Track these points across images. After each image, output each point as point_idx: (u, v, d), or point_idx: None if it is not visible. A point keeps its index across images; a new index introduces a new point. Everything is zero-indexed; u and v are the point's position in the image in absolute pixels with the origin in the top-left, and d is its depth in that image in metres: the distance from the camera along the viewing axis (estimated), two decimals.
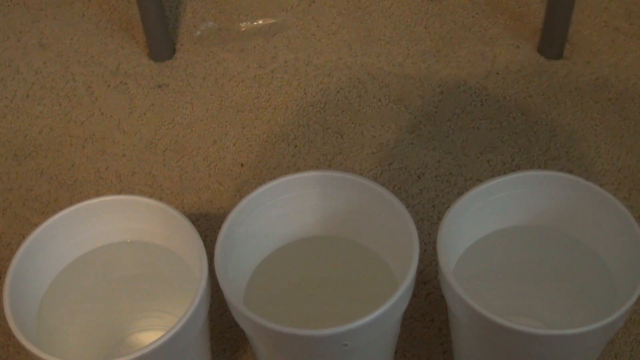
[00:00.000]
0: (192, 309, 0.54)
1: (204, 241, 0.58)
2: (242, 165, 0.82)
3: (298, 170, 0.81)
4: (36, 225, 0.60)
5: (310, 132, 0.84)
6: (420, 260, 0.57)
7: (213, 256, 0.57)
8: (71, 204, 0.61)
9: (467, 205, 0.60)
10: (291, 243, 0.65)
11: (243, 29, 0.95)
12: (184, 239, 0.59)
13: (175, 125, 0.86)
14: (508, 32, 0.92)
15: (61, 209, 0.61)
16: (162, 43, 0.91)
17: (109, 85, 0.89)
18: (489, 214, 0.62)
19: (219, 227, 0.58)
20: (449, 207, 0.59)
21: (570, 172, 0.78)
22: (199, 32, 0.95)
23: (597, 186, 0.59)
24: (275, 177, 0.62)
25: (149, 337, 0.65)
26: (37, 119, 0.87)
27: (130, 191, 0.80)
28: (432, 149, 0.82)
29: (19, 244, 0.59)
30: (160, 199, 0.79)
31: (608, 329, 0.54)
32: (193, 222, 0.59)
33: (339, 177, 0.61)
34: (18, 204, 0.80)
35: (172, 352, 0.54)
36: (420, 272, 0.73)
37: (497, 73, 0.88)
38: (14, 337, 0.54)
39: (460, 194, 0.67)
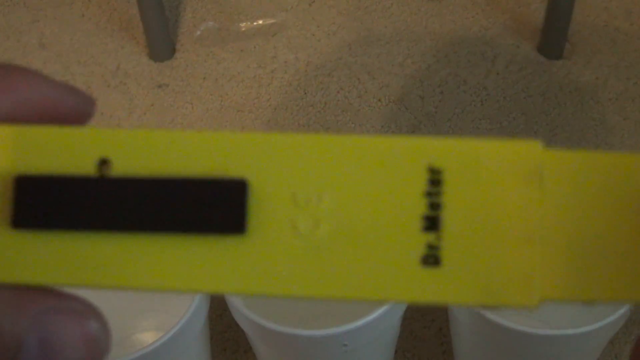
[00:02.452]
0: (192, 309, 0.54)
1: None
2: None
3: None
4: None
5: (311, 132, 0.84)
6: None
7: None
8: None
9: None
10: None
11: (243, 29, 0.95)
12: None
13: (175, 125, 0.86)
14: (508, 32, 0.92)
15: None
16: (162, 43, 0.91)
17: (109, 85, 0.89)
18: None
19: None
20: None
21: None
22: (199, 32, 0.95)
23: None
24: None
25: (149, 337, 0.65)
26: None
27: None
28: None
29: None
30: None
31: (608, 329, 0.54)
32: None
33: None
34: None
35: (172, 352, 0.54)
36: None
37: (497, 73, 0.88)
38: None
39: None
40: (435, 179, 0.18)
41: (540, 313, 0.66)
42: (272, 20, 0.95)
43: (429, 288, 0.18)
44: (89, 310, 0.19)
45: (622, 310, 0.53)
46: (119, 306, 0.66)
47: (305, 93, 0.88)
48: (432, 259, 0.18)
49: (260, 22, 0.95)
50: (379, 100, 0.87)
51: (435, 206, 0.18)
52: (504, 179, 0.18)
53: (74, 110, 0.20)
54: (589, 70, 0.88)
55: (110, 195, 0.18)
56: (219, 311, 0.70)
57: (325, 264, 0.18)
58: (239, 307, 0.54)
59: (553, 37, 0.88)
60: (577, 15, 0.90)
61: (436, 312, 0.70)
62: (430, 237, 0.18)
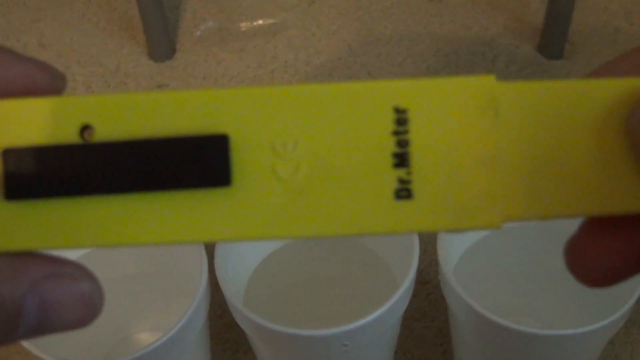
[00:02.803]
0: (192, 309, 0.54)
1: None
2: None
3: None
4: None
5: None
6: (420, 260, 0.57)
7: (213, 256, 0.57)
8: None
9: None
10: (291, 243, 0.65)
11: (243, 29, 0.95)
12: None
13: None
14: (508, 32, 0.92)
15: None
16: (162, 43, 0.91)
17: (109, 86, 0.89)
18: None
19: None
20: None
21: None
22: (199, 32, 0.95)
23: None
24: None
25: (149, 337, 0.65)
26: None
27: None
28: None
29: None
30: None
31: (608, 329, 0.54)
32: None
33: None
34: None
35: (172, 352, 0.54)
36: (420, 272, 0.73)
37: (498, 73, 0.88)
38: None
39: None
40: (401, 118, 0.19)
41: (540, 313, 0.66)
42: (272, 20, 0.95)
43: (404, 219, 0.20)
44: (82, 273, 0.20)
45: (622, 310, 0.53)
46: (119, 306, 0.66)
47: None
48: (404, 192, 0.20)
49: (260, 22, 0.95)
50: None
51: (403, 143, 0.20)
52: (463, 111, 0.19)
53: (45, 85, 0.20)
54: (589, 70, 0.88)
55: (95, 159, 0.19)
56: (219, 311, 0.70)
57: (307, 205, 0.20)
58: (239, 307, 0.54)
59: (553, 37, 0.88)
60: (577, 15, 0.90)
61: (436, 312, 0.70)
62: (401, 172, 0.20)
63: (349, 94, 0.19)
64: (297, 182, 0.20)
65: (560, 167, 0.20)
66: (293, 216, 0.20)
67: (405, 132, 0.19)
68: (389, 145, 0.19)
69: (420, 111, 0.19)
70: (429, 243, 0.75)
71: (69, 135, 0.19)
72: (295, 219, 0.20)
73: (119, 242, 0.20)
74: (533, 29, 0.92)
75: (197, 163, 0.19)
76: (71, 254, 0.62)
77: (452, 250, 0.60)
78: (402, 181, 0.20)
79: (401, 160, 0.19)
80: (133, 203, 0.19)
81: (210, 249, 0.57)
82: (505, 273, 0.66)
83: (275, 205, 0.20)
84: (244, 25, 0.95)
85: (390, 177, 0.20)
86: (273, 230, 0.20)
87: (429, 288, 0.72)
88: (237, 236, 0.20)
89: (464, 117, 0.19)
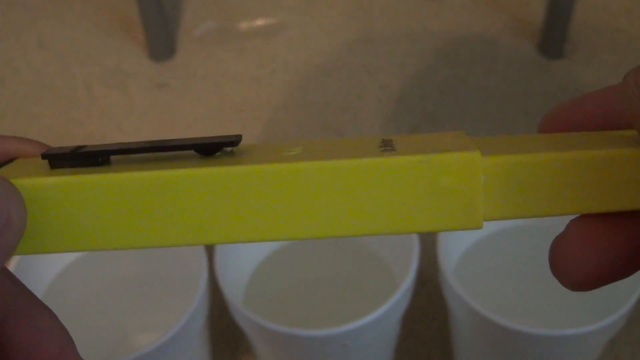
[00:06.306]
0: (192, 309, 0.54)
1: None
2: None
3: None
4: None
5: (310, 132, 0.84)
6: (420, 260, 0.57)
7: (213, 256, 0.57)
8: None
9: None
10: (291, 243, 0.65)
11: (243, 29, 0.95)
12: None
13: (175, 126, 0.86)
14: (508, 32, 0.92)
15: None
16: (162, 43, 0.91)
17: (109, 86, 0.89)
18: None
19: None
20: None
21: None
22: (199, 32, 0.95)
23: None
24: None
25: (149, 337, 0.65)
26: (37, 118, 0.87)
27: None
28: None
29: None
30: None
31: (608, 329, 0.54)
32: None
33: None
34: None
35: (172, 352, 0.54)
36: (420, 272, 0.72)
37: (498, 73, 0.88)
38: None
39: None
40: (387, 141, 0.22)
41: (540, 313, 0.66)
42: (272, 20, 0.95)
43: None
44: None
45: (622, 310, 0.53)
46: (119, 306, 0.66)
47: (305, 93, 0.88)
48: (388, 147, 0.21)
49: (260, 22, 0.95)
50: (379, 100, 0.87)
51: (388, 144, 0.21)
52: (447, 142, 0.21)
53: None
54: (590, 70, 0.88)
55: None
56: (219, 311, 0.70)
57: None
58: (239, 307, 0.54)
59: (553, 37, 0.88)
60: (577, 15, 0.90)
61: (436, 312, 0.70)
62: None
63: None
64: (293, 156, 0.21)
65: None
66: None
67: (391, 146, 0.21)
68: (377, 148, 0.21)
69: (404, 138, 0.22)
70: (429, 243, 0.75)
71: None
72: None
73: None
74: (533, 29, 0.92)
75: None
76: (71, 254, 0.62)
77: (452, 251, 0.60)
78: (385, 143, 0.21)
79: (388, 146, 0.21)
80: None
81: (210, 249, 0.57)
82: (505, 273, 0.66)
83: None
84: (244, 25, 0.95)
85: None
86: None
87: (429, 288, 0.72)
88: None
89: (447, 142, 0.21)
